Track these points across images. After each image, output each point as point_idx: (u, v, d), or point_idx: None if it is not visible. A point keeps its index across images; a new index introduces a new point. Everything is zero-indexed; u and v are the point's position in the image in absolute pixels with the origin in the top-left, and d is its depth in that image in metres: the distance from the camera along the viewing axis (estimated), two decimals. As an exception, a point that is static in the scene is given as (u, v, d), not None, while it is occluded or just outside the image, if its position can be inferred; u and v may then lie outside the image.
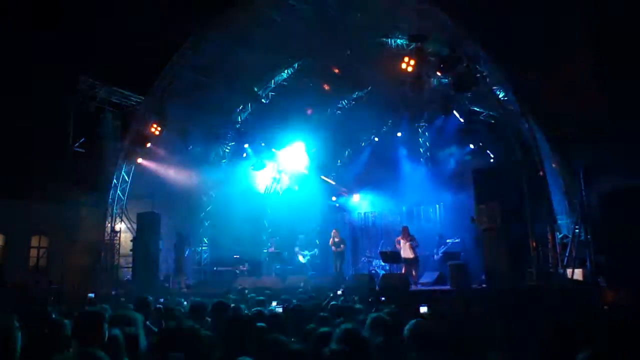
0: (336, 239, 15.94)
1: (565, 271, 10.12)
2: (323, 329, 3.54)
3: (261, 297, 7.72)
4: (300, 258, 17.79)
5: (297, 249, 18.02)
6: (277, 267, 17.07)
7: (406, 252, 14.33)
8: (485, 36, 11.54)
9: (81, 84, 15.92)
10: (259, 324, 4.03)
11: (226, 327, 3.47)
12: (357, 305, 6.10)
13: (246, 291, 12.72)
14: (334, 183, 20.54)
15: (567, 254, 10.31)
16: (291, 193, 20.53)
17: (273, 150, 19.06)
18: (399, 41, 14.37)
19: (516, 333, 3.91)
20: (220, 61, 15.67)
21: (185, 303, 7.85)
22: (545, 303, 5.56)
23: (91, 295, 9.49)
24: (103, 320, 3.42)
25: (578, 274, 10.05)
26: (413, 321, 4.34)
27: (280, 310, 6.23)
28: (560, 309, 5.01)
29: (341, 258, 15.92)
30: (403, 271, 14.16)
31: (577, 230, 10.12)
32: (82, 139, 16.59)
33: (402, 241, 14.55)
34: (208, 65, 15.74)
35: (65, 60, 16.14)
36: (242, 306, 6.09)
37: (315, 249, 18.14)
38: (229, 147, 19.04)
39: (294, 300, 7.08)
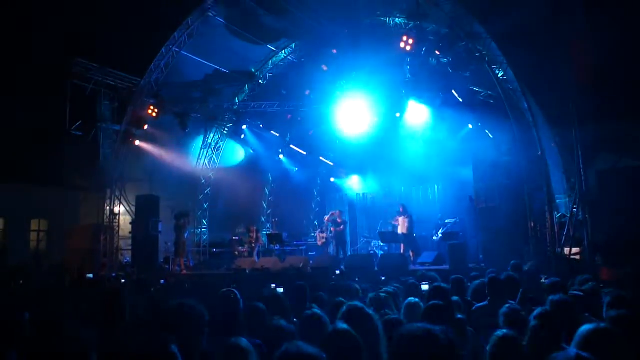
0: (338, 220, 16.02)
1: (562, 250, 10.18)
2: (322, 310, 3.55)
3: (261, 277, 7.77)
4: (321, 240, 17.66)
5: (318, 231, 18.03)
6: (276, 248, 17.14)
7: (402, 228, 14.47)
8: (485, 15, 11.42)
9: (76, 66, 15.76)
10: (257, 304, 4.04)
11: (219, 308, 3.50)
12: (356, 285, 6.12)
13: (247, 271, 12.85)
14: (332, 164, 20.51)
15: (564, 233, 10.36)
16: (290, 174, 20.50)
17: (272, 132, 18.97)
18: (397, 20, 14.23)
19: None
20: (217, 42, 15.52)
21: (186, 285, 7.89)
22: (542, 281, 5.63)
23: (90, 275, 9.54)
24: (125, 301, 3.52)
25: (575, 252, 10.12)
26: (409, 300, 4.39)
27: (281, 290, 6.25)
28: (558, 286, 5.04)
29: (342, 239, 16.00)
30: (402, 250, 14.25)
31: (575, 210, 10.15)
32: (79, 122, 16.49)
33: (399, 219, 14.67)
34: (204, 46, 15.59)
35: (60, 43, 15.98)
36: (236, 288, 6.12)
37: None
38: (226, 129, 18.96)
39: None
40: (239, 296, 3.88)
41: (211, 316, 3.38)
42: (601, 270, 9.09)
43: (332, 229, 16.10)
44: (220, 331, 3.10)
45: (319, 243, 17.39)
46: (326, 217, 16.47)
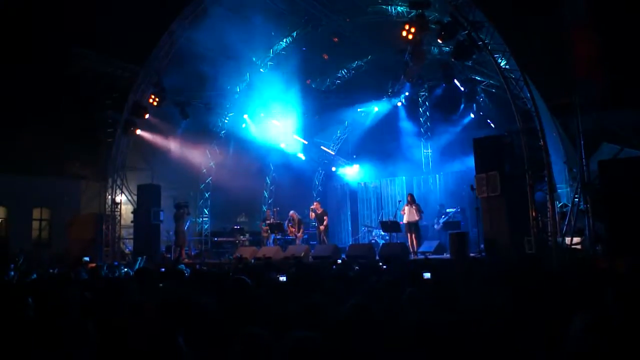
0: (318, 211, 16.14)
1: (564, 240, 10.17)
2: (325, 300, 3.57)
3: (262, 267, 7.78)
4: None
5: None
6: (278, 237, 17.17)
7: (412, 215, 14.24)
8: (487, 2, 11.32)
9: (76, 54, 15.69)
10: (260, 292, 4.06)
11: (228, 297, 3.51)
12: (355, 274, 6.14)
13: (252, 261, 12.89)
14: (333, 153, 20.50)
15: (566, 223, 10.35)
16: (291, 163, 20.48)
17: (273, 121, 18.91)
18: (399, 8, 14.12)
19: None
20: (218, 30, 15.41)
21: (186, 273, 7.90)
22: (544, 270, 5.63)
23: (86, 258, 9.58)
24: (126, 290, 3.56)
25: (577, 242, 10.12)
26: (409, 290, 4.40)
27: (284, 279, 6.27)
28: (558, 275, 5.06)
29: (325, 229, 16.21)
30: (409, 241, 14.14)
31: (576, 199, 10.13)
32: (80, 111, 16.46)
33: (407, 207, 14.41)
34: (204, 34, 15.48)
35: (59, 31, 15.88)
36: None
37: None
38: (227, 118, 18.91)
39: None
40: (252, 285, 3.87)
41: (224, 305, 3.39)
42: (602, 260, 9.09)
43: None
44: (235, 320, 3.11)
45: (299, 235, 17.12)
46: (312, 214, 16.61)
